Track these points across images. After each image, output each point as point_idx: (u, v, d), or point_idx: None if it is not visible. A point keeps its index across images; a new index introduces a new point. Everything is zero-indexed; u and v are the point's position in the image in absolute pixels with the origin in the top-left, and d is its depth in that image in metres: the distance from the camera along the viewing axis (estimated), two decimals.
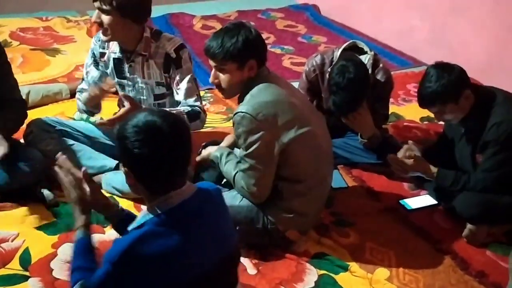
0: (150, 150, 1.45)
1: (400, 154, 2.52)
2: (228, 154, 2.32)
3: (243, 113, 2.10)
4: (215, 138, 2.65)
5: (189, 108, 2.47)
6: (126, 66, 2.56)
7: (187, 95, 2.51)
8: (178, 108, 2.49)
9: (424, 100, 2.39)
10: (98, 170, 2.61)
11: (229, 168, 2.26)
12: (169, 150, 1.47)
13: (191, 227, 1.52)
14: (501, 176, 2.34)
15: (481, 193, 2.36)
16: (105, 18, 2.38)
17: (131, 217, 1.73)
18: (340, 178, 2.80)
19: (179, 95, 2.52)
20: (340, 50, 2.76)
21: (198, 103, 2.53)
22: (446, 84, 2.30)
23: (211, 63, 2.18)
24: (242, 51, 2.11)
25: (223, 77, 2.18)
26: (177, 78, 2.51)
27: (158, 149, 1.46)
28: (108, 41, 2.48)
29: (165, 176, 1.50)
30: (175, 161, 1.50)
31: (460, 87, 2.33)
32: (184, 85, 2.51)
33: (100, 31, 2.52)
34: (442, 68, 2.38)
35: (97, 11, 2.41)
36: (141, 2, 2.41)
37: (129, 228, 1.56)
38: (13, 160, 2.41)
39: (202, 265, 1.53)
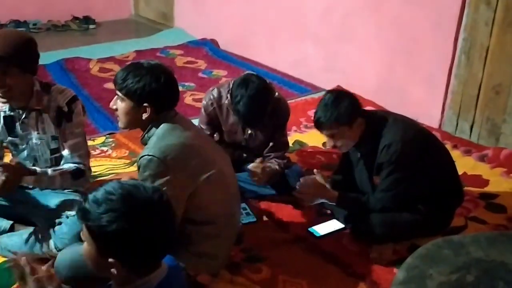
0: (141, 231, 1.34)
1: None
2: None
3: (150, 156, 2.03)
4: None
5: (74, 167, 2.41)
6: (18, 124, 2.44)
7: (73, 150, 2.44)
8: (62, 166, 2.42)
9: (320, 123, 2.42)
10: None
11: None
12: (158, 225, 1.37)
13: None
14: (398, 195, 2.44)
15: (381, 213, 2.45)
16: (10, 80, 2.25)
17: None
18: (249, 213, 2.80)
19: (65, 150, 2.44)
20: (233, 81, 2.79)
21: (82, 160, 2.46)
22: (342, 108, 2.37)
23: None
24: (139, 94, 2.06)
25: (119, 105, 2.13)
26: (67, 131, 2.42)
27: (149, 228, 1.35)
28: (8, 101, 2.36)
29: (155, 254, 1.41)
30: (164, 235, 1.40)
31: (355, 112, 2.41)
32: (71, 140, 2.43)
33: None
34: (338, 93, 2.47)
35: None
36: (30, 52, 2.32)
37: None
38: None
39: None
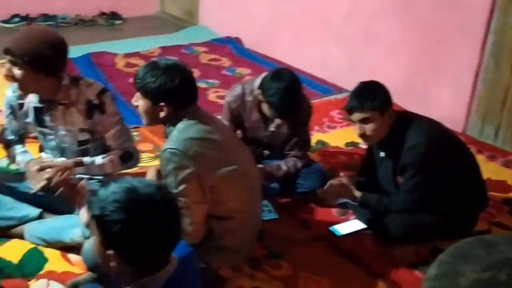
0: (142, 229, 1.35)
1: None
2: None
3: (173, 150, 2.05)
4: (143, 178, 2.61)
5: (121, 152, 2.48)
6: (47, 116, 2.49)
7: (117, 138, 2.50)
8: (111, 153, 2.49)
9: (353, 103, 2.42)
10: (20, 221, 2.49)
11: None
12: (161, 225, 1.37)
13: None
14: (421, 196, 2.44)
15: (404, 214, 2.45)
16: (17, 73, 2.31)
17: None
18: (271, 210, 2.82)
19: (109, 140, 2.51)
20: (259, 78, 2.81)
21: (129, 144, 2.54)
22: (378, 92, 2.42)
23: None
24: (155, 94, 2.10)
25: (140, 103, 2.17)
26: (104, 123, 2.48)
27: (151, 227, 1.35)
28: (24, 93, 2.43)
29: (160, 252, 1.42)
30: (169, 234, 1.41)
31: (388, 102, 2.43)
32: (112, 129, 2.49)
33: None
34: (374, 82, 2.50)
35: (9, 64, 2.33)
36: (53, 56, 2.32)
37: None
38: None
39: None
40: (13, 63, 2.30)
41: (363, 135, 2.46)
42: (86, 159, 2.46)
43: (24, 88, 2.38)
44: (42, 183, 2.30)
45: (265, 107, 2.71)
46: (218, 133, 2.21)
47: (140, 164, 3.20)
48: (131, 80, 4.67)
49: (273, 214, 2.79)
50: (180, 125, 2.13)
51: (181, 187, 2.07)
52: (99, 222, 1.39)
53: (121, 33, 6.00)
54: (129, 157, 2.53)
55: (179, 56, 5.18)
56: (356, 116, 2.43)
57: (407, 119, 2.47)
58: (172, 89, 2.10)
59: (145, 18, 6.55)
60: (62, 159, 2.54)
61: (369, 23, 4.38)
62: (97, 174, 2.53)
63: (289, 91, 2.62)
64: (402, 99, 4.09)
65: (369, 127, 2.42)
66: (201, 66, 5.00)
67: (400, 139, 2.42)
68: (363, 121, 2.42)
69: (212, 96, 4.36)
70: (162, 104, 2.12)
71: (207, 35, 5.82)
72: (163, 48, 5.40)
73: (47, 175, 2.30)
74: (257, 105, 2.79)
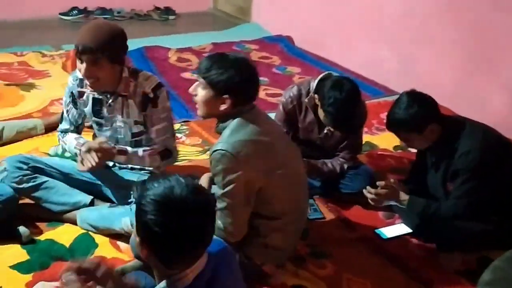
0: (172, 229, 1.36)
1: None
2: None
3: (223, 151, 2.05)
4: (191, 173, 2.64)
5: (161, 148, 2.55)
6: (105, 107, 2.57)
7: (160, 134, 2.56)
8: (152, 148, 2.55)
9: (389, 125, 2.47)
10: (72, 207, 2.58)
11: None
12: (192, 227, 1.38)
13: None
14: (471, 204, 2.38)
15: (453, 221, 2.40)
16: (99, 72, 2.38)
17: None
18: (316, 209, 2.82)
19: (153, 134, 2.56)
20: (317, 80, 2.79)
21: (170, 142, 2.60)
22: (413, 114, 2.36)
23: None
24: (221, 86, 2.09)
25: (200, 94, 2.15)
26: (153, 117, 2.54)
27: (181, 228, 1.36)
28: (95, 90, 2.51)
29: (187, 253, 1.42)
30: (199, 237, 1.41)
31: (427, 120, 2.38)
32: (159, 124, 2.55)
33: (77, 70, 2.54)
34: (414, 97, 2.43)
35: (84, 65, 2.37)
36: (123, 48, 2.45)
37: None
38: None
39: None
40: (91, 61, 2.35)
41: (409, 146, 2.51)
42: (130, 150, 2.53)
43: (100, 83, 2.44)
44: (89, 166, 2.39)
45: (321, 113, 2.70)
46: (270, 134, 2.19)
47: (188, 158, 3.28)
48: (182, 74, 4.84)
49: (319, 214, 2.79)
50: (234, 124, 2.12)
51: (227, 188, 2.08)
52: (136, 211, 1.43)
53: (174, 28, 6.10)
54: (168, 155, 2.59)
55: None
56: (396, 135, 2.49)
57: (459, 124, 2.43)
58: (240, 83, 2.09)
59: (198, 14, 6.64)
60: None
61: (422, 24, 4.31)
62: (135, 165, 2.61)
63: (348, 103, 2.58)
64: (453, 103, 4.02)
65: (412, 144, 2.48)
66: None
67: (452, 144, 2.38)
68: (400, 138, 2.48)
69: (261, 93, 4.34)
70: (225, 96, 2.10)
71: (258, 33, 5.85)
72: (215, 44, 5.45)
73: (92, 160, 2.38)
74: (312, 107, 2.79)
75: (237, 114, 2.13)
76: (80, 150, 2.46)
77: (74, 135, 2.67)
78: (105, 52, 2.34)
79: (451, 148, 2.38)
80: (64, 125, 2.70)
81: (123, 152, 2.51)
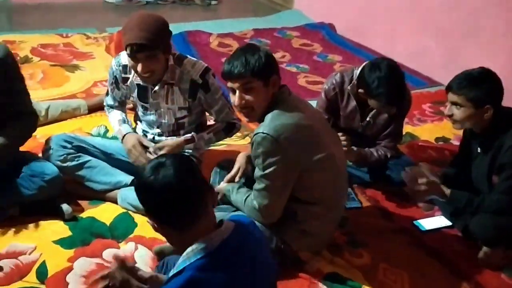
0: (159, 185, 1.45)
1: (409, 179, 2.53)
2: (239, 187, 2.32)
3: (264, 134, 2.06)
4: (229, 158, 2.67)
5: (224, 124, 2.68)
6: (150, 93, 2.60)
7: (221, 112, 2.66)
8: (215, 126, 2.70)
9: (453, 84, 2.37)
10: (114, 186, 2.64)
11: (239, 195, 2.26)
12: (178, 183, 1.45)
13: (233, 267, 1.47)
14: None
15: (496, 215, 2.35)
16: (155, 65, 2.41)
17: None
18: (354, 198, 2.81)
19: (214, 116, 2.68)
20: (360, 68, 2.77)
21: (230, 116, 2.69)
22: (481, 86, 2.31)
23: (234, 85, 2.11)
24: (267, 67, 2.09)
25: (250, 97, 2.11)
26: (209, 101, 2.59)
27: (166, 183, 1.45)
28: (147, 83, 2.55)
29: (182, 208, 1.46)
30: (189, 193, 1.47)
31: (487, 100, 2.32)
32: (216, 105, 2.62)
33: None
34: (489, 72, 2.39)
35: (140, 64, 2.38)
36: (169, 32, 2.47)
37: (170, 273, 1.50)
38: (30, 175, 2.47)
39: None
40: (147, 57, 2.36)
41: (450, 116, 2.41)
42: (197, 136, 2.61)
43: (155, 76, 2.47)
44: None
45: (373, 103, 2.66)
46: (311, 119, 2.20)
47: (226, 142, 3.30)
48: (223, 59, 4.79)
49: (356, 203, 2.78)
50: (275, 110, 2.12)
51: (267, 171, 2.10)
52: (137, 193, 1.54)
53: (216, 14, 6.13)
54: (231, 128, 2.72)
55: (271, 39, 5.22)
56: (450, 97, 2.38)
57: (509, 115, 2.36)
58: (272, 55, 2.15)
59: (240, 0, 6.64)
60: (158, 131, 2.67)
61: (469, 16, 4.20)
62: (203, 148, 2.73)
63: (391, 76, 2.56)
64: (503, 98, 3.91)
65: (458, 113, 2.36)
66: (293, 51, 5.01)
67: (501, 136, 2.31)
68: (455, 104, 2.36)
69: (301, 80, 4.36)
70: (274, 76, 2.12)
71: (300, 20, 5.81)
72: (256, 30, 5.45)
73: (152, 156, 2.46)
74: (355, 94, 2.76)
75: (277, 100, 2.14)
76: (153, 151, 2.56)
77: (118, 115, 2.74)
78: (160, 46, 2.38)
79: (499, 140, 2.32)
80: (109, 100, 2.79)
81: (191, 141, 2.61)
